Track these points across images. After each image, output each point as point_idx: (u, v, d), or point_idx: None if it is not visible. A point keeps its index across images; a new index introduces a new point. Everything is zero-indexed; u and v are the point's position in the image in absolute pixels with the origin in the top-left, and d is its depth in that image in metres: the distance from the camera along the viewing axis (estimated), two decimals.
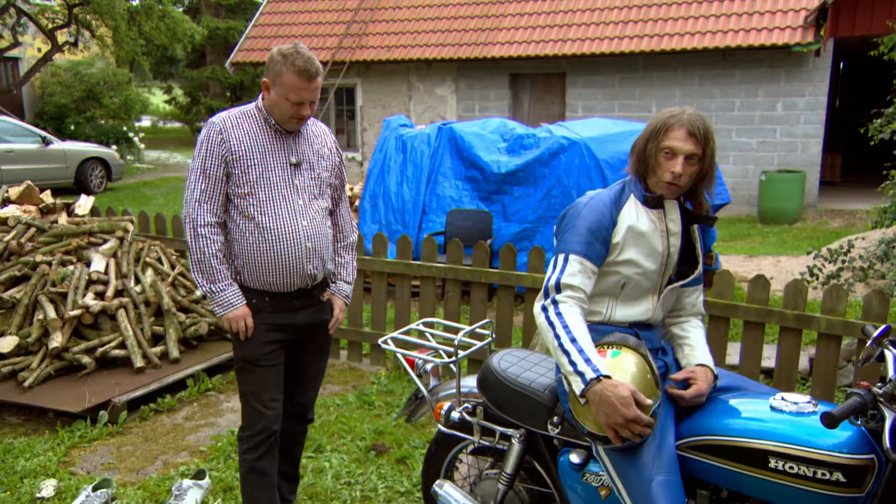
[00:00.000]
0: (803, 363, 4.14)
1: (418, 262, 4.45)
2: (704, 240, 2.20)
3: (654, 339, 2.15)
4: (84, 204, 5.23)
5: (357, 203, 7.02)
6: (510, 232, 6.07)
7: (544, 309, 1.99)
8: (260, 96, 2.53)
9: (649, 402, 1.86)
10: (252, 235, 2.49)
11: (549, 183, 5.96)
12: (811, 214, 10.70)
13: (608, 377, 1.85)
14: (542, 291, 2.03)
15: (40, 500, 3.13)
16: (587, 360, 1.87)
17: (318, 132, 2.67)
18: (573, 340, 1.91)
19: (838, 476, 1.73)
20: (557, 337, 1.93)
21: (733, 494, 1.95)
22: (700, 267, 2.15)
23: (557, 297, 1.97)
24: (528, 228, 6.02)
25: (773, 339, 4.13)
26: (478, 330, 2.82)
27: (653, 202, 2.07)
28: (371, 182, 6.81)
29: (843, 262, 4.87)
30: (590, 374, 1.86)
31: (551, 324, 1.95)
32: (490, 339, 2.82)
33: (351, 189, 7.40)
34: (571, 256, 2.00)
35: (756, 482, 1.85)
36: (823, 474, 1.74)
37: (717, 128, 10.92)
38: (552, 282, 2.00)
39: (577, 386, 1.88)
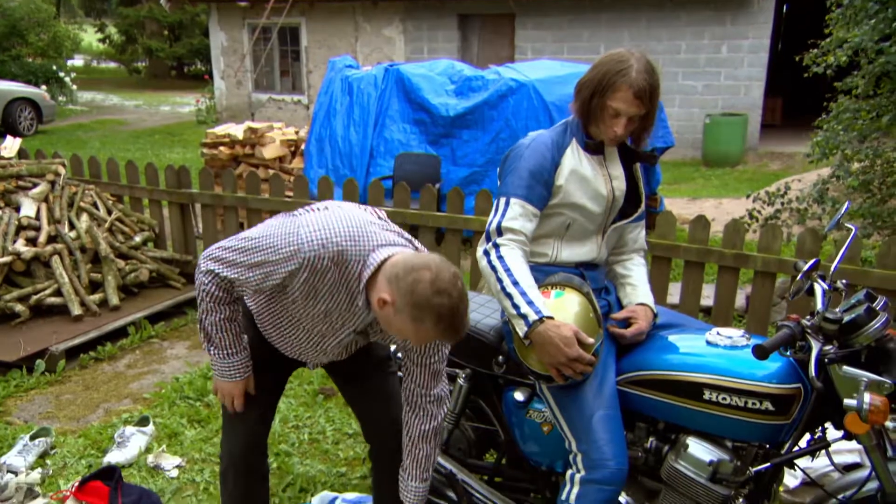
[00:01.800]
0: (740, 301, 4.28)
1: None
2: (648, 179, 2.21)
3: (598, 278, 2.18)
4: (10, 146, 4.96)
5: (303, 147, 6.87)
6: (459, 176, 6.03)
7: (486, 253, 1.99)
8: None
9: (591, 341, 1.89)
10: (257, 319, 2.06)
11: (497, 126, 5.91)
12: (752, 157, 10.94)
13: (551, 318, 1.87)
14: (483, 235, 2.03)
15: None
16: (529, 303, 1.89)
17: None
18: (515, 283, 1.91)
19: (767, 405, 1.81)
20: (500, 280, 1.94)
21: (669, 426, 2.02)
22: (643, 205, 2.17)
23: (499, 240, 1.97)
24: (477, 172, 5.99)
25: (712, 278, 4.25)
26: None
27: (594, 148, 2.06)
28: (317, 125, 6.65)
29: (781, 203, 5.00)
30: (532, 316, 1.87)
31: (493, 268, 1.96)
32: None
33: (297, 133, 7.22)
34: (512, 200, 1.99)
35: (691, 413, 1.92)
36: (754, 404, 1.82)
37: (664, 71, 10.90)
38: (493, 226, 1.99)
39: (521, 328, 1.90)
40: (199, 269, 1.87)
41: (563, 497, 1.97)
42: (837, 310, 1.73)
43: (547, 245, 2.10)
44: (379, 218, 1.88)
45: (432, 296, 1.63)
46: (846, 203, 2.14)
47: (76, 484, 2.63)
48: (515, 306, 1.90)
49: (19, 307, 4.03)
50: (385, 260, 1.73)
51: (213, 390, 2.08)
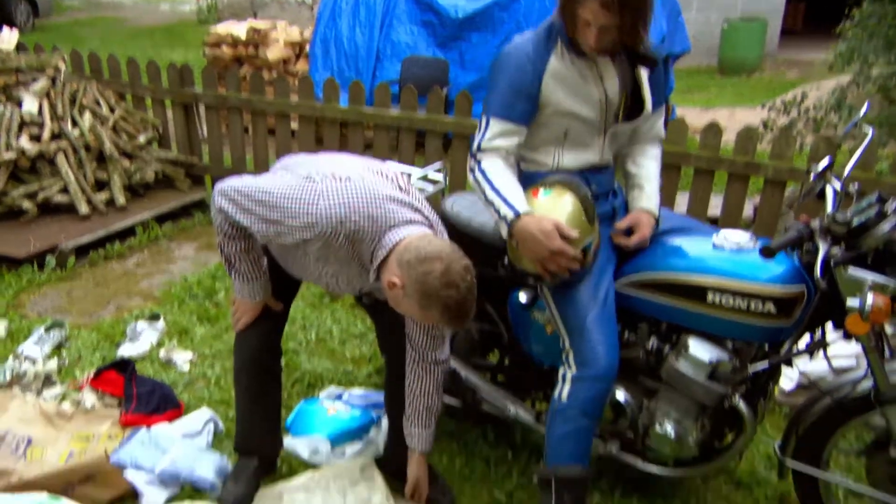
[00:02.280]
0: (748, 211, 4.25)
1: (372, 110, 4.31)
2: (656, 85, 2.09)
3: (604, 181, 2.15)
4: (8, 39, 4.83)
5: (307, 49, 6.70)
6: (467, 80, 5.90)
7: (471, 170, 2.01)
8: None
9: (574, 234, 1.87)
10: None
11: (507, 28, 5.73)
12: (770, 64, 10.64)
13: (529, 213, 1.89)
14: (469, 154, 2.03)
15: None
16: (507, 203, 1.91)
17: None
18: (494, 189, 1.94)
19: (770, 307, 1.83)
20: (483, 192, 1.97)
21: (671, 327, 2.05)
22: (648, 107, 2.06)
23: (479, 156, 1.99)
24: (486, 77, 5.85)
25: (720, 189, 4.22)
26: (430, 175, 2.79)
27: (579, 50, 1.95)
28: (321, 26, 6.46)
29: (798, 112, 4.89)
30: (510, 215, 1.90)
31: (477, 181, 1.99)
32: (442, 184, 2.80)
33: (301, 33, 7.02)
34: (492, 119, 1.97)
35: (694, 315, 1.95)
36: (757, 306, 1.84)
37: None
38: (475, 146, 2.00)
39: (504, 230, 1.94)
40: (213, 200, 1.89)
41: (556, 395, 2.03)
42: (848, 212, 1.72)
43: (548, 153, 2.06)
44: (400, 189, 1.88)
45: (441, 288, 1.67)
46: (865, 104, 2.09)
47: (92, 374, 2.71)
48: (497, 211, 1.93)
49: (27, 204, 4.04)
50: (399, 241, 1.74)
51: (231, 301, 2.15)
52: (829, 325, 1.90)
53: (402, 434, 2.23)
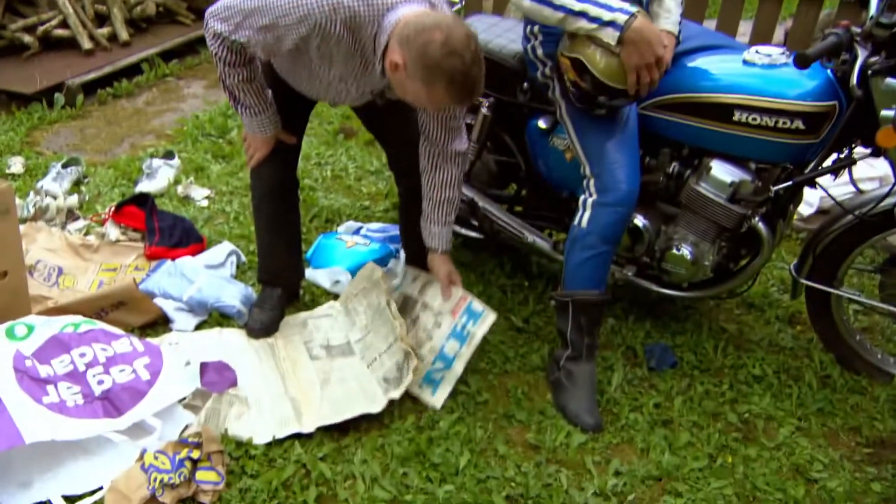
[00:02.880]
0: (778, 36, 4.06)
1: None
2: None
3: None
4: None
5: None
6: None
7: None
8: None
9: (666, 42, 1.79)
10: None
11: None
12: None
13: (640, 13, 1.73)
14: None
15: (10, 175, 3.15)
16: (609, 7, 1.72)
17: None
18: None
19: (798, 124, 1.78)
20: (561, 7, 1.74)
21: (693, 150, 2.01)
22: None
23: None
24: None
25: (750, 15, 4.00)
26: None
27: None
28: None
29: None
30: (623, 17, 1.71)
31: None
32: (459, 4, 2.65)
33: None
34: None
35: (718, 135, 1.90)
36: (784, 123, 1.78)
37: None
38: None
39: (612, 35, 1.72)
40: (206, 29, 1.77)
41: (576, 222, 2.01)
42: (894, 16, 1.60)
43: None
44: None
45: (444, 57, 1.56)
46: None
47: (113, 208, 2.75)
48: (595, 18, 1.73)
49: (28, 38, 3.91)
50: (398, 21, 1.62)
51: (243, 137, 2.09)
52: (856, 146, 1.86)
53: (420, 264, 2.27)
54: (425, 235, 2.15)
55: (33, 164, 3.24)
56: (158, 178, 3.13)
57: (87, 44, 3.99)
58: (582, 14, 1.75)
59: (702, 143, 1.95)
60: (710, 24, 3.93)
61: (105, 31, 4.14)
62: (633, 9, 1.73)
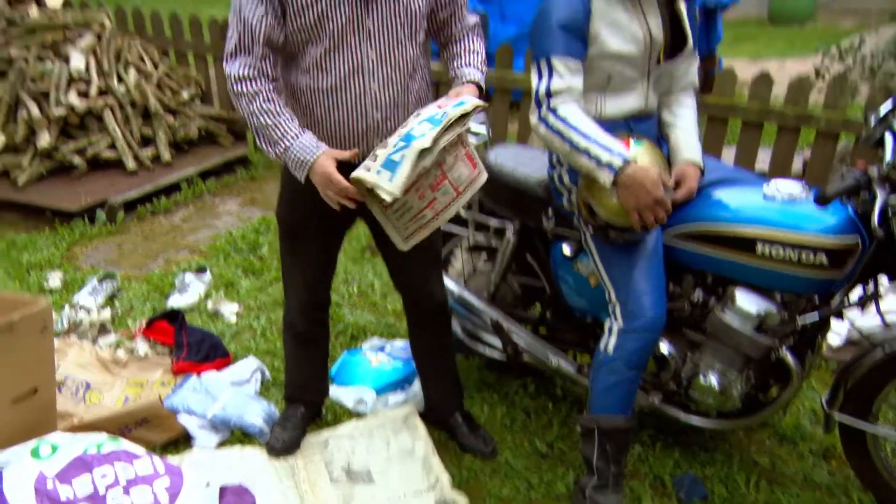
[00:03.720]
0: (796, 165, 4.14)
1: None
2: (707, 36, 2.05)
3: (649, 130, 2.09)
4: None
5: None
6: (507, 34, 5.80)
7: (542, 119, 1.90)
8: None
9: (672, 182, 1.85)
10: (304, 97, 1.89)
11: None
12: (824, 14, 10.20)
13: (635, 161, 1.81)
14: (533, 103, 1.93)
15: (48, 290, 3.25)
16: (609, 150, 1.81)
17: None
18: (586, 136, 1.84)
19: (822, 259, 1.79)
20: (569, 140, 1.85)
21: (717, 279, 2.03)
22: (690, 41, 2.01)
23: (552, 102, 1.88)
24: (526, 30, 5.74)
25: (768, 142, 4.10)
26: (473, 127, 2.76)
27: None
28: None
29: (853, 59, 4.66)
30: (618, 163, 1.80)
31: (556, 130, 1.87)
32: (486, 136, 2.77)
33: None
34: (553, 59, 1.87)
35: (741, 267, 1.92)
36: (808, 257, 1.80)
37: None
38: (542, 90, 1.89)
39: (606, 177, 1.81)
40: (229, 87, 1.84)
41: (602, 347, 2.02)
42: None
43: (589, 101, 1.98)
44: None
45: None
46: None
47: (144, 323, 2.80)
48: (595, 158, 1.82)
49: (77, 160, 4.14)
50: None
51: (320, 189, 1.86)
52: (882, 278, 1.86)
53: (436, 383, 2.27)
54: (458, 75, 2.02)
55: (71, 278, 3.36)
56: (190, 292, 3.21)
57: (131, 164, 4.21)
58: (584, 151, 1.84)
59: (726, 273, 1.97)
60: (729, 151, 4.05)
61: (149, 152, 4.37)
62: (630, 154, 1.81)
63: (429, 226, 1.87)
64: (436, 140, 1.70)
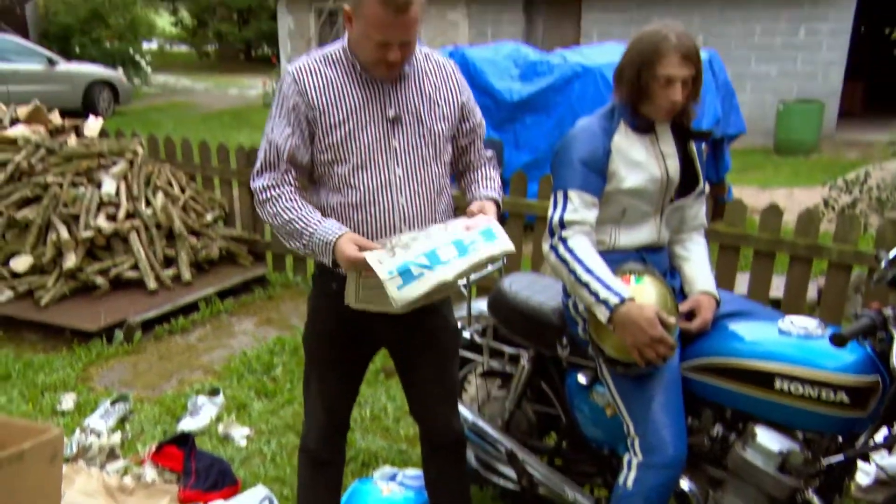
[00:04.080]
0: (811, 294, 4.14)
1: None
2: (715, 166, 2.16)
3: (661, 261, 2.15)
4: (93, 126, 5.19)
5: None
6: (521, 161, 6.01)
7: (553, 248, 1.97)
8: (346, 34, 1.92)
9: (673, 320, 1.87)
10: (334, 214, 1.92)
11: (561, 111, 5.86)
12: (828, 146, 10.52)
13: (632, 300, 1.85)
14: (547, 231, 2.01)
15: (61, 412, 3.24)
16: (608, 287, 1.87)
17: (433, 68, 2.00)
18: (589, 271, 1.90)
19: (842, 397, 1.76)
20: (573, 272, 1.92)
21: (736, 414, 1.99)
22: (702, 182, 2.11)
23: (564, 233, 1.96)
24: (540, 158, 5.95)
25: (781, 269, 4.13)
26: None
27: (644, 127, 2.03)
28: None
29: (860, 192, 4.79)
30: (614, 300, 1.85)
31: (564, 260, 1.94)
32: (500, 263, 2.83)
33: None
34: (570, 192, 1.97)
35: (761, 402, 1.89)
36: (828, 395, 1.77)
37: (736, 55, 10.61)
38: (556, 220, 1.97)
39: (603, 314, 1.87)
40: (256, 201, 1.94)
41: (621, 482, 1.96)
42: None
43: (604, 232, 2.07)
44: None
45: None
46: None
47: (153, 448, 2.77)
48: (594, 293, 1.88)
49: (100, 280, 4.23)
50: None
51: (345, 267, 1.83)
52: None
53: None
54: (477, 195, 2.06)
55: (84, 400, 3.35)
56: (201, 415, 3.18)
57: (152, 284, 4.29)
58: (585, 285, 1.90)
59: (745, 409, 1.94)
60: (743, 278, 4.07)
61: (171, 272, 4.47)
62: (627, 294, 1.85)
63: (385, 306, 1.79)
64: (458, 276, 1.70)
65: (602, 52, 6.16)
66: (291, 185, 1.91)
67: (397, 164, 1.91)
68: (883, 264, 1.85)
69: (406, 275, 1.68)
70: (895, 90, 6.80)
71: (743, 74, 10.68)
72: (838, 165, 9.26)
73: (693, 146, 2.12)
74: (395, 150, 1.91)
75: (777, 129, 10.37)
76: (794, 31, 10.62)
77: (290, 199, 1.88)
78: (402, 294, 1.67)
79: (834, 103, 10.67)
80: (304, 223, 1.84)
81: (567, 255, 1.93)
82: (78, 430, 2.92)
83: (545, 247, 2.01)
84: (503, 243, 1.80)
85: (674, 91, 1.92)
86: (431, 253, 1.72)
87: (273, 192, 1.89)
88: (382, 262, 1.70)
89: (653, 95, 1.95)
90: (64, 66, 12.90)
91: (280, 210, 1.87)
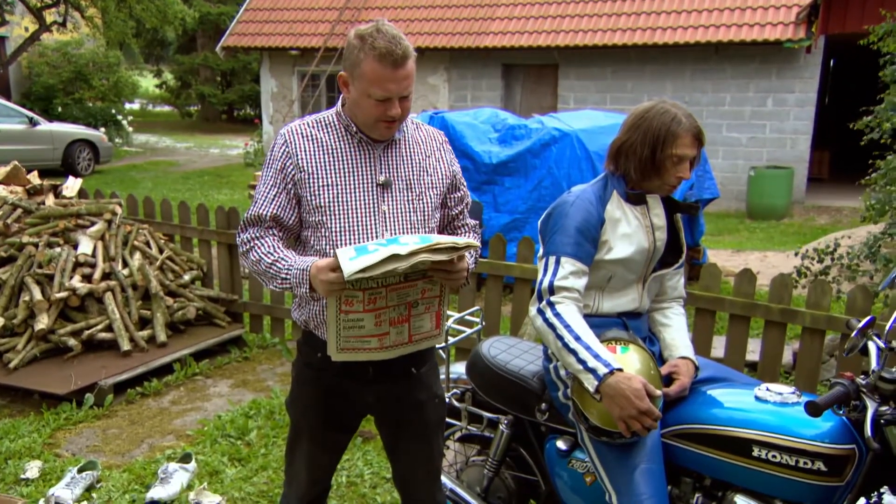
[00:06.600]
0: (787, 357, 4.18)
1: None
2: (691, 230, 2.23)
3: (641, 328, 2.17)
4: (72, 186, 5.18)
5: None
6: (500, 222, 6.08)
7: (541, 312, 1.98)
8: (340, 99, 2.00)
9: (659, 393, 1.87)
10: None
11: (539, 174, 5.97)
12: (798, 210, 10.78)
13: (620, 370, 1.86)
14: (535, 295, 2.03)
15: (25, 480, 3.12)
16: (596, 356, 1.87)
17: (422, 138, 2.04)
18: (577, 338, 1.90)
19: (819, 465, 1.77)
20: (560, 338, 1.92)
21: (716, 482, 1.98)
22: (684, 254, 2.18)
23: (553, 298, 1.97)
24: (518, 219, 6.03)
25: (757, 332, 4.18)
26: (467, 317, 2.83)
27: (636, 199, 2.09)
28: None
29: (832, 260, 4.90)
30: (602, 370, 1.85)
31: (551, 325, 1.95)
32: (479, 326, 2.83)
33: None
34: (563, 258, 2.00)
35: (739, 470, 1.88)
36: (805, 463, 1.78)
37: (708, 122, 10.96)
38: (545, 285, 1.99)
39: (590, 382, 1.87)
40: (239, 253, 1.99)
41: None
42: (894, 369, 1.69)
43: (588, 296, 2.09)
44: None
45: (353, 36, 1.84)
46: None
47: None
48: (581, 361, 1.88)
49: (72, 342, 4.15)
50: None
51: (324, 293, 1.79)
52: (885, 493, 1.82)
53: None
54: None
55: (50, 467, 3.24)
56: (172, 483, 3.09)
57: (126, 345, 4.21)
58: (573, 352, 1.90)
59: (724, 477, 1.93)
60: (720, 341, 4.11)
61: (145, 333, 4.40)
62: (616, 365, 1.86)
63: (367, 354, 1.82)
64: (414, 252, 1.67)
65: (578, 118, 6.32)
66: (274, 236, 1.94)
67: (385, 228, 1.92)
68: (853, 333, 1.89)
69: (361, 249, 1.69)
70: (860, 158, 7.06)
71: (715, 140, 11.01)
72: (809, 229, 9.48)
73: (679, 218, 2.17)
74: (385, 214, 1.93)
75: (749, 195, 10.64)
76: (762, 101, 11.02)
77: (269, 245, 1.91)
78: (350, 265, 1.64)
79: (802, 169, 11.00)
80: (285, 264, 1.85)
81: (555, 321, 1.94)
82: (42, 501, 2.81)
83: (532, 310, 2.02)
84: (467, 240, 1.77)
85: (683, 169, 2.02)
86: (394, 238, 1.76)
87: (254, 242, 1.93)
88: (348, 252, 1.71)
89: (663, 173, 2.02)
90: (45, 125, 12.95)
91: (262, 255, 1.89)
